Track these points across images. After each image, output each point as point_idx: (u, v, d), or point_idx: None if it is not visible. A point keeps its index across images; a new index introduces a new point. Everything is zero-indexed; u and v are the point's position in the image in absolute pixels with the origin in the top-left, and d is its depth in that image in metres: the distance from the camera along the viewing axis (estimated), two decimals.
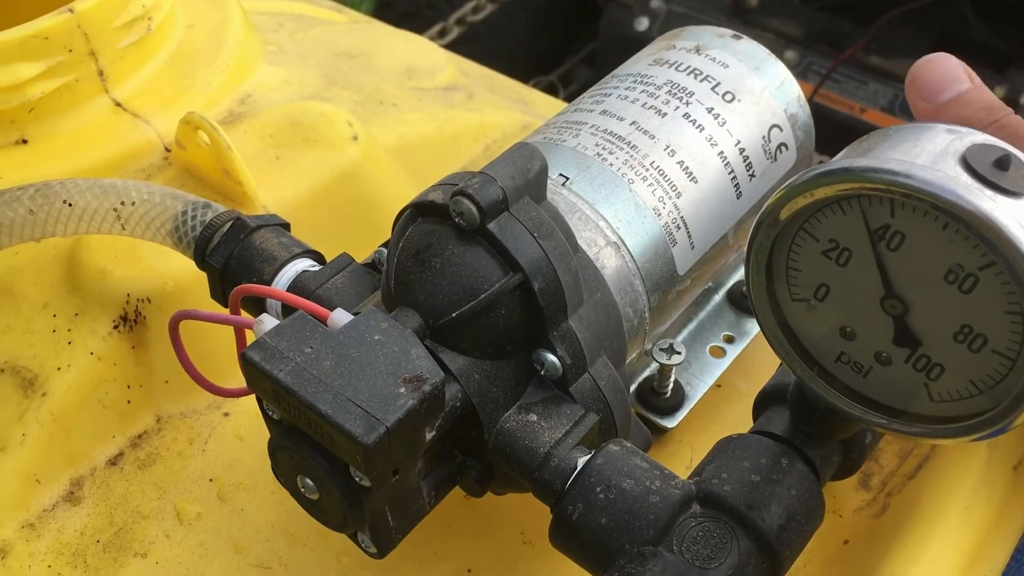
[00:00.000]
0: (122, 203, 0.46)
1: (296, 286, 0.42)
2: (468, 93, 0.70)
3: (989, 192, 0.27)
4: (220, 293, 0.44)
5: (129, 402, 0.51)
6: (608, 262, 0.40)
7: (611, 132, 0.44)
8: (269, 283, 0.42)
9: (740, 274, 0.53)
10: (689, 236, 0.43)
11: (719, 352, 0.50)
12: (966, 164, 0.27)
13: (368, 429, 0.32)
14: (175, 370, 0.51)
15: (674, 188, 0.43)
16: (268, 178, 0.56)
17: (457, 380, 0.37)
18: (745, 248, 0.50)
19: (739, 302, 0.52)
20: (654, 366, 0.48)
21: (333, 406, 0.33)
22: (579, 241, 0.40)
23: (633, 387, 0.48)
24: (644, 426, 0.43)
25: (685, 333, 0.51)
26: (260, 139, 0.58)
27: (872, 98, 1.42)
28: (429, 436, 0.36)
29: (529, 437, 0.37)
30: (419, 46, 0.74)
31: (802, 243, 0.31)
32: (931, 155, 0.28)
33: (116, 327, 0.50)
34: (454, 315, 0.36)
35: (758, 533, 0.34)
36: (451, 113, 0.66)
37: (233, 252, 0.43)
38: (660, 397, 0.47)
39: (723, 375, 0.50)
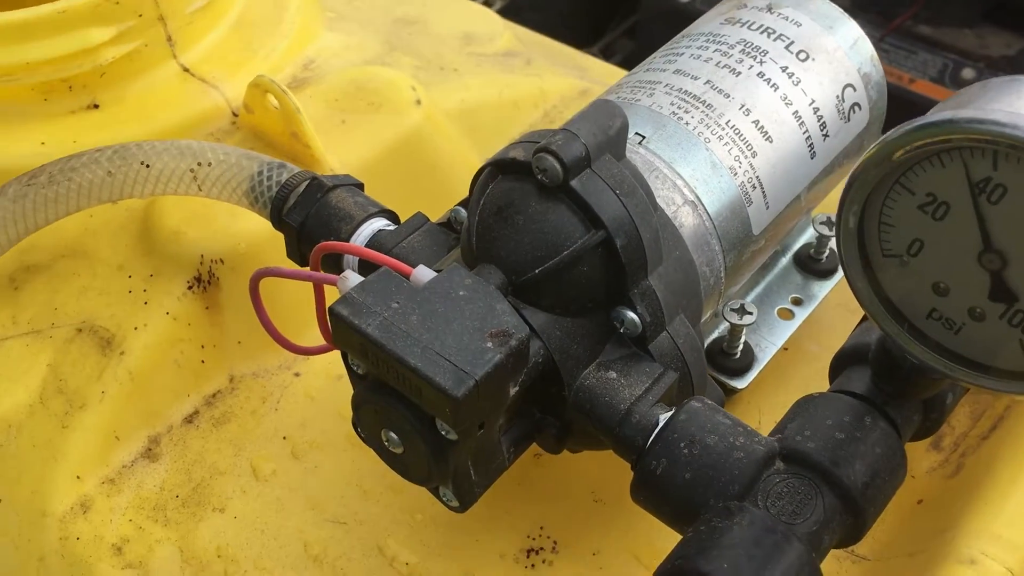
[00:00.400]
0: (199, 164, 0.47)
1: (373, 244, 0.43)
2: (526, 59, 0.70)
3: None
4: (297, 252, 0.45)
5: (203, 362, 0.51)
6: (686, 220, 0.40)
7: (686, 91, 0.44)
8: (347, 241, 0.43)
9: (807, 236, 0.52)
10: (764, 195, 0.43)
11: (787, 314, 0.50)
12: None
13: (458, 382, 0.33)
14: (247, 330, 0.52)
15: (749, 147, 0.43)
16: (334, 141, 0.56)
17: (539, 336, 0.37)
18: (812, 210, 0.50)
19: (806, 265, 0.52)
20: (724, 327, 0.48)
21: (422, 359, 0.33)
22: (657, 199, 0.40)
23: (704, 347, 0.48)
24: (717, 385, 0.43)
25: (753, 295, 0.51)
26: (326, 103, 0.58)
27: (921, 68, 1.40)
28: (513, 391, 0.36)
29: (609, 394, 0.38)
30: (476, 12, 0.74)
31: (897, 197, 0.31)
32: None
33: (190, 288, 0.51)
34: (536, 272, 0.37)
35: (843, 489, 0.34)
36: (510, 78, 0.66)
37: (310, 211, 0.44)
38: (730, 358, 0.48)
39: (790, 338, 0.50)
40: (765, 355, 0.48)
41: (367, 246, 0.43)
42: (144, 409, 0.50)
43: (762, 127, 0.43)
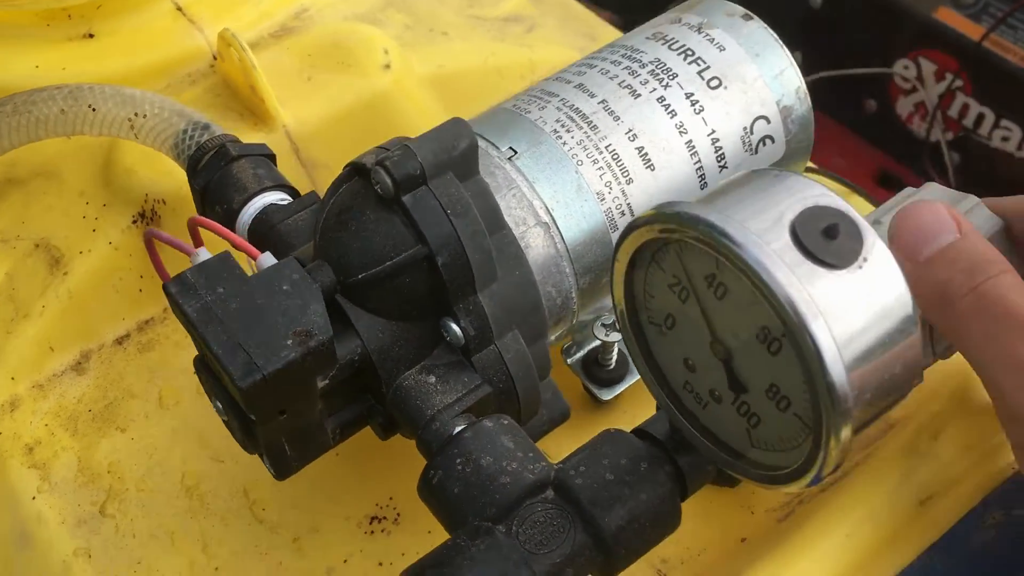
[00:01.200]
0: (135, 114, 0.50)
1: (260, 219, 0.45)
2: (529, 25, 0.70)
3: (803, 264, 0.26)
4: (203, 213, 0.48)
5: (141, 291, 0.56)
6: (534, 242, 0.41)
7: (577, 109, 0.44)
8: (237, 211, 0.46)
9: None
10: None
11: None
12: (793, 231, 0.27)
13: (245, 374, 0.36)
14: (183, 267, 0.56)
15: (626, 174, 0.43)
16: (296, 98, 0.59)
17: (359, 336, 0.39)
18: None
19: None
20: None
21: (224, 347, 0.36)
22: (508, 219, 0.41)
23: (580, 355, 0.49)
24: (563, 400, 0.45)
25: None
26: (299, 58, 0.61)
27: None
28: (322, 384, 0.39)
29: (422, 397, 0.40)
30: None
31: (653, 272, 0.32)
32: (769, 217, 0.27)
33: (135, 222, 0.55)
34: (360, 277, 0.39)
35: (595, 529, 0.36)
36: (499, 46, 0.67)
37: (213, 177, 0.47)
38: (603, 369, 0.49)
39: None
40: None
41: (254, 221, 0.45)
42: (80, 327, 0.55)
43: (645, 154, 0.43)
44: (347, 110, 0.59)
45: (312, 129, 0.58)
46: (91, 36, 0.61)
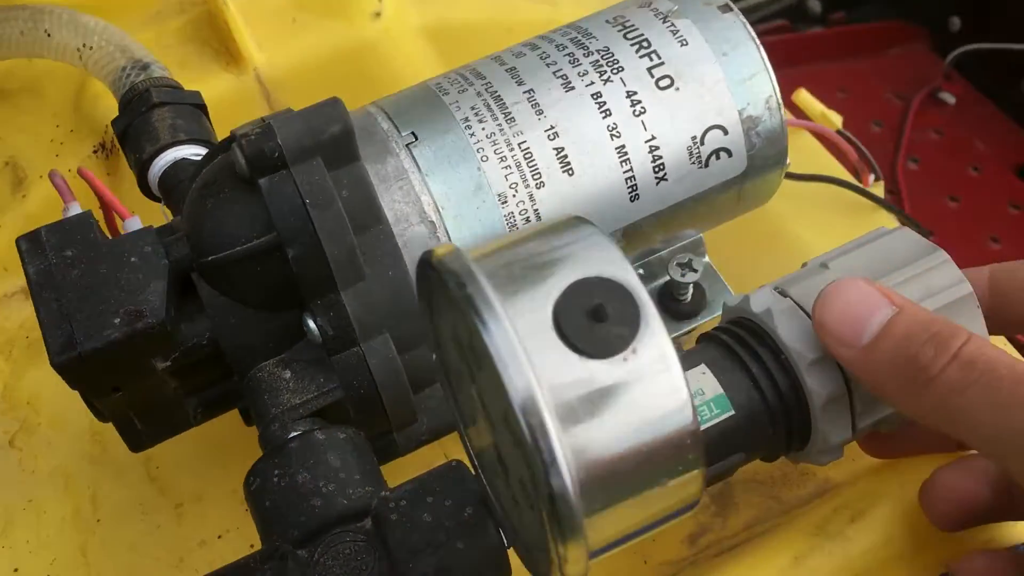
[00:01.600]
0: (84, 44, 0.49)
1: (168, 173, 0.43)
2: None
3: (553, 350, 0.22)
4: (127, 158, 0.46)
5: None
6: (414, 242, 0.38)
7: (499, 96, 0.39)
8: (148, 163, 0.44)
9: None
10: None
11: None
12: (556, 306, 0.22)
13: (61, 350, 0.34)
14: (143, 201, 0.55)
15: (537, 176, 0.38)
16: (276, 39, 0.56)
17: (210, 319, 0.37)
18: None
19: (667, 305, 0.46)
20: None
21: (50, 317, 0.35)
22: (389, 213, 0.37)
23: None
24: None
25: None
26: None
27: None
28: (164, 364, 0.37)
29: (271, 392, 0.37)
30: None
31: (441, 320, 0.27)
32: (541, 285, 0.23)
33: (95, 152, 0.54)
34: (210, 258, 0.36)
35: (399, 573, 0.32)
36: (517, 2, 0.62)
37: (132, 122, 0.45)
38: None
39: None
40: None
41: (163, 175, 0.43)
42: None
43: (564, 156, 0.39)
44: (328, 57, 0.56)
45: (288, 75, 0.55)
46: None
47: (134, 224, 0.38)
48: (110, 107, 0.54)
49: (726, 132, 0.40)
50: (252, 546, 0.44)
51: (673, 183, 0.40)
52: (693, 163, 0.40)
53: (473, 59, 0.60)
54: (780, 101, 0.41)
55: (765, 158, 0.41)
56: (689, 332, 0.46)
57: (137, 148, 0.44)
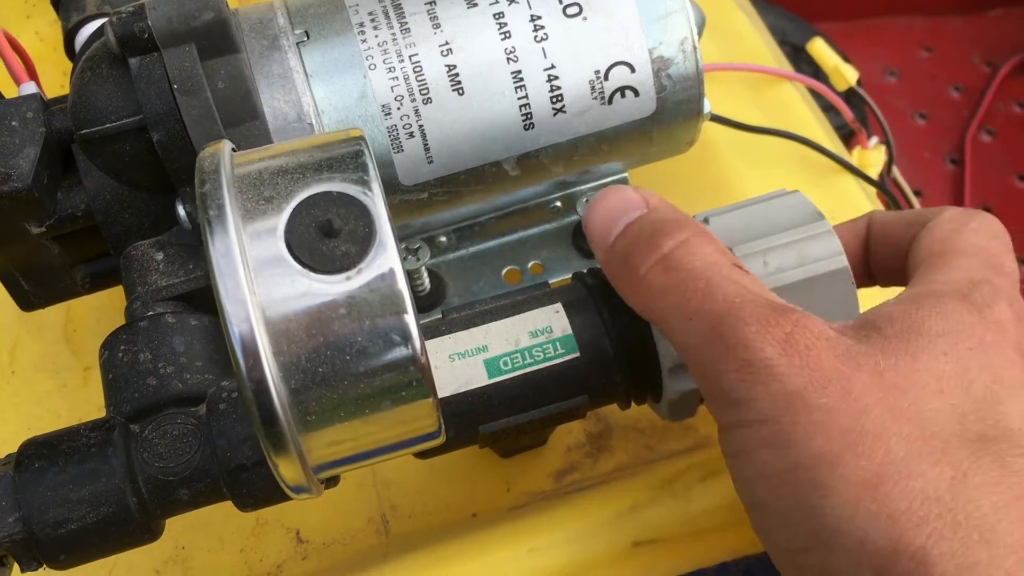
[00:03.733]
0: None
1: (88, 44, 0.44)
2: None
3: (276, 264, 0.22)
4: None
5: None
6: (290, 139, 0.38)
7: (399, 6, 0.39)
8: (74, 31, 0.44)
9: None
10: (427, 149, 0.39)
11: (515, 278, 0.46)
12: (291, 220, 0.22)
13: None
14: None
15: (424, 92, 0.38)
16: None
17: (86, 192, 0.38)
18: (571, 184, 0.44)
19: (581, 245, 0.46)
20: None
21: None
22: (267, 110, 0.37)
23: None
24: None
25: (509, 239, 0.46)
26: None
27: None
28: (37, 230, 0.38)
29: (140, 271, 0.38)
30: None
31: None
32: (282, 193, 0.23)
33: None
34: (82, 132, 0.37)
35: (217, 460, 0.33)
36: None
37: None
38: (418, 296, 0.45)
39: None
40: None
41: (89, 38, 0.44)
42: None
43: (455, 74, 0.38)
44: None
45: None
46: None
47: (28, 89, 0.39)
48: None
49: (633, 70, 0.39)
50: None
51: (572, 116, 0.39)
52: (595, 98, 0.39)
53: None
54: (696, 44, 0.39)
55: (677, 103, 0.40)
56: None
57: (65, 16, 0.45)
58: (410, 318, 0.23)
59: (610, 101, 0.39)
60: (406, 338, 0.23)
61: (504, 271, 0.46)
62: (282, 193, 0.23)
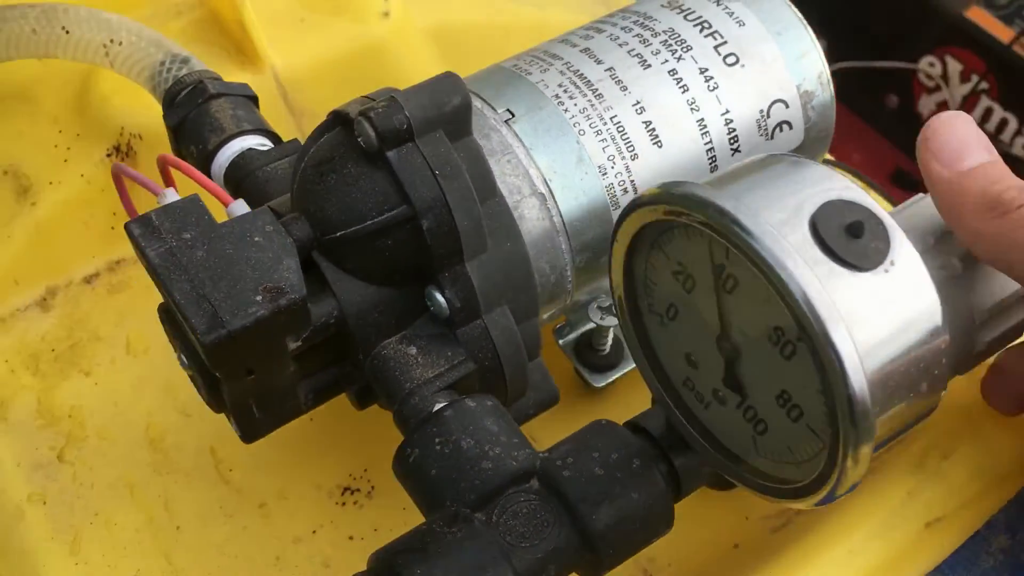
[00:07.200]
0: (111, 40, 0.47)
1: (237, 163, 0.43)
2: None
3: (823, 263, 0.24)
4: (176, 152, 0.46)
5: (113, 228, 0.53)
6: (528, 213, 0.39)
7: (581, 74, 0.41)
8: (213, 154, 0.43)
9: None
10: None
11: None
12: (813, 225, 0.25)
13: (210, 329, 0.33)
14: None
15: (631, 149, 0.41)
16: (287, 40, 0.56)
17: (336, 297, 0.37)
18: None
19: None
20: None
21: (187, 297, 0.34)
22: (501, 186, 0.38)
23: (573, 337, 0.47)
24: (553, 383, 0.42)
25: None
26: None
27: None
28: (294, 345, 0.36)
29: (401, 369, 0.37)
30: None
31: (656, 257, 0.29)
32: (787, 207, 0.25)
33: (109, 155, 0.52)
34: (338, 234, 0.36)
35: (582, 526, 0.33)
36: (508, 4, 0.64)
37: (188, 114, 0.44)
38: (596, 354, 0.46)
39: None
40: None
41: (231, 165, 0.43)
42: (47, 261, 0.52)
43: (653, 129, 0.41)
44: (341, 57, 0.56)
45: (302, 74, 0.55)
46: None
47: (239, 208, 0.37)
48: (121, 109, 0.53)
49: (787, 106, 0.44)
50: (351, 538, 0.44)
51: (744, 155, 0.43)
52: (761, 135, 0.43)
53: (474, 60, 0.62)
54: (829, 78, 0.44)
55: (818, 132, 0.45)
56: None
57: (198, 139, 0.43)
58: (940, 304, 0.26)
59: (772, 136, 0.44)
60: (938, 323, 0.26)
61: None
62: (790, 206, 0.25)
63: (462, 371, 0.38)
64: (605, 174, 0.40)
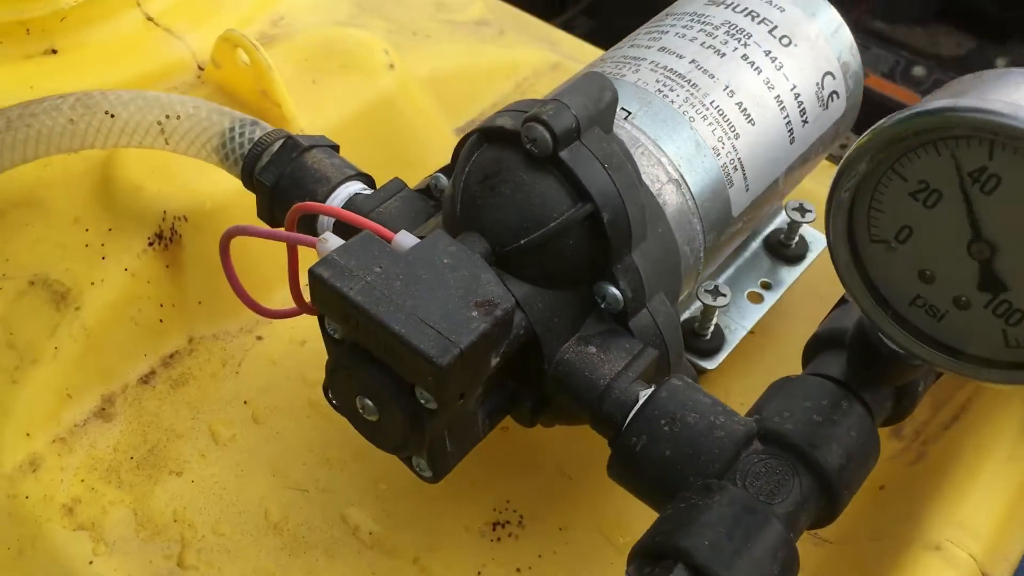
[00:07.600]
0: (167, 116, 0.45)
1: (349, 208, 0.42)
2: (498, 29, 0.69)
3: None
4: (268, 212, 0.44)
5: (162, 321, 0.50)
6: (669, 198, 0.40)
7: (671, 69, 0.43)
8: (322, 204, 0.42)
9: (778, 222, 0.53)
10: (745, 178, 0.43)
11: (757, 298, 0.50)
12: None
13: (442, 350, 0.32)
14: (208, 291, 0.51)
15: (733, 129, 0.43)
16: (304, 102, 0.55)
17: (521, 308, 0.37)
18: (786, 195, 0.51)
19: (776, 250, 0.52)
20: (695, 307, 0.48)
21: (406, 326, 0.33)
22: (642, 176, 0.40)
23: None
24: (690, 364, 0.43)
25: (724, 278, 0.51)
26: (296, 62, 0.57)
27: (873, 63, 1.41)
28: (494, 362, 0.35)
29: (589, 369, 0.37)
30: None
31: (889, 183, 0.31)
32: None
33: (151, 244, 0.49)
34: (521, 243, 0.36)
35: (820, 471, 0.34)
36: (483, 48, 0.65)
37: (284, 171, 0.43)
38: (701, 339, 0.48)
39: (757, 322, 0.50)
40: (735, 337, 0.48)
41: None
42: (99, 367, 0.48)
43: (745, 109, 0.43)
44: (358, 111, 0.56)
45: (327, 130, 0.54)
46: (54, 52, 0.55)
47: (405, 239, 0.36)
48: (158, 195, 0.50)
49: (834, 77, 0.47)
50: (519, 570, 0.43)
51: (811, 124, 0.46)
52: (820, 106, 0.47)
53: (465, 103, 0.63)
54: (856, 47, 0.49)
55: (854, 98, 0.49)
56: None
57: (304, 192, 0.42)
58: None
59: (827, 106, 0.47)
60: None
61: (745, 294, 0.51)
62: None
63: (648, 358, 0.38)
64: (719, 155, 0.42)
